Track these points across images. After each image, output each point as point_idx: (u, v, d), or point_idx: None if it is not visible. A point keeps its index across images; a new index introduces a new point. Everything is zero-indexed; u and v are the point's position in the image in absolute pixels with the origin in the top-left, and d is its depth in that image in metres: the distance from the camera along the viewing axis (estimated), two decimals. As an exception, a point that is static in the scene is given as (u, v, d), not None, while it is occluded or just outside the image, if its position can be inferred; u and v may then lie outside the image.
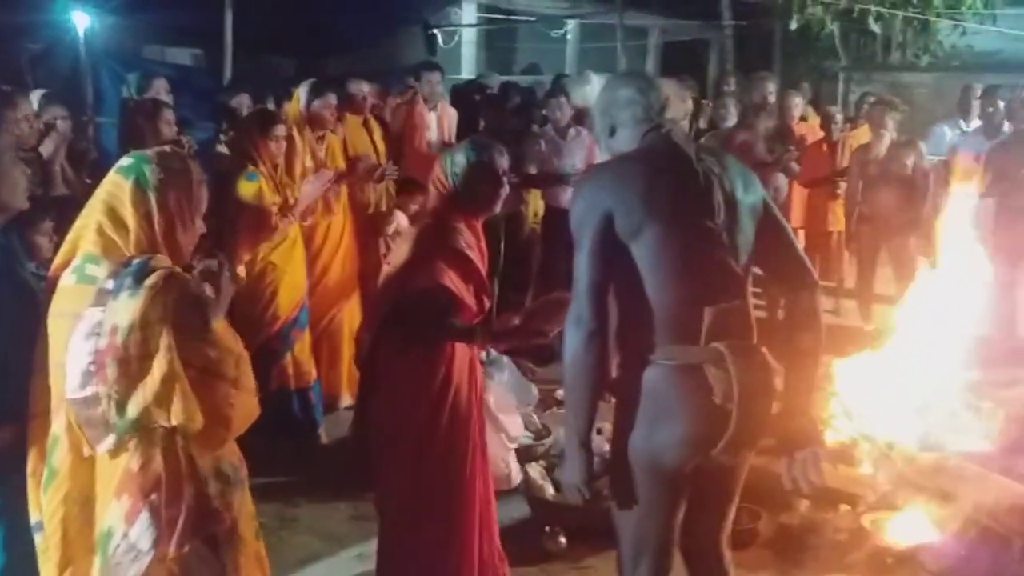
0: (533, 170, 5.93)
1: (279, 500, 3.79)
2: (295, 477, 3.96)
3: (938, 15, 8.73)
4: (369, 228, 5.24)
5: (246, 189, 4.13)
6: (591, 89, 7.33)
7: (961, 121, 6.41)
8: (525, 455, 4.12)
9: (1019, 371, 5.06)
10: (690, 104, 5.72)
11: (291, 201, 4.29)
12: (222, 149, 4.82)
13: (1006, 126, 5.79)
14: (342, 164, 4.98)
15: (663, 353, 2.19)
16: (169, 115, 4.41)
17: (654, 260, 2.15)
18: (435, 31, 9.66)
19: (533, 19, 13.27)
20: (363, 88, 5.66)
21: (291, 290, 4.36)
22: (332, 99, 4.72)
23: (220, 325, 2.08)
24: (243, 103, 5.39)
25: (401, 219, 5.42)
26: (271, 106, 5.60)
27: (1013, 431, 4.21)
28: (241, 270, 4.14)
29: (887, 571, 3.32)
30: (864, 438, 4.02)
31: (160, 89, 5.24)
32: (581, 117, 6.32)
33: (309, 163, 4.53)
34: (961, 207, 5.38)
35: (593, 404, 2.27)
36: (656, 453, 2.23)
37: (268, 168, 4.23)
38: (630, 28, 11.62)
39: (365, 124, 5.68)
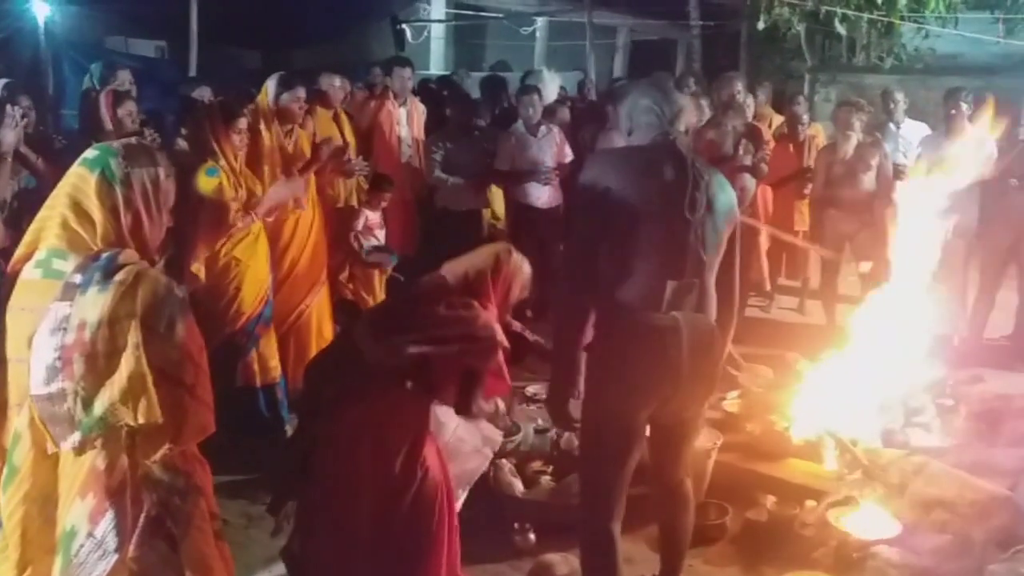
0: (504, 167, 5.92)
1: (245, 498, 3.74)
2: (261, 475, 3.90)
3: (902, 18, 8.86)
4: (338, 223, 5.19)
5: (206, 184, 4.04)
6: (546, 87, 7.34)
7: (891, 124, 6.52)
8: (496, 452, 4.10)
9: (981, 369, 5.17)
10: (706, 111, 5.76)
11: (256, 196, 4.23)
12: (181, 142, 4.72)
13: (969, 129, 5.87)
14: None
15: (630, 317, 2.61)
16: (131, 107, 4.33)
17: (635, 237, 2.56)
18: (404, 26, 9.61)
19: (502, 16, 13.26)
20: (335, 82, 5.62)
21: (255, 285, 4.29)
22: (301, 92, 4.66)
23: (184, 328, 2.03)
24: (204, 95, 5.31)
25: (370, 215, 5.40)
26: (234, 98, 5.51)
27: (975, 428, 4.30)
28: (199, 267, 4.08)
29: (852, 566, 3.35)
30: (830, 435, 4.06)
31: (123, 80, 5.15)
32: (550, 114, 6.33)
33: (276, 158, 4.47)
34: (925, 207, 5.45)
35: (579, 349, 2.71)
36: (619, 400, 2.67)
37: (229, 162, 4.15)
38: (599, 26, 11.64)
39: (335, 118, 5.64)
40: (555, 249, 6.10)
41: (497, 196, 6.32)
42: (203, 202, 4.03)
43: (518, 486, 3.83)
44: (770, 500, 3.76)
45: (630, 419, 2.70)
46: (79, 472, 1.99)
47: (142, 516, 1.98)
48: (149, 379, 1.93)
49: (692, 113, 2.86)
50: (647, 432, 2.82)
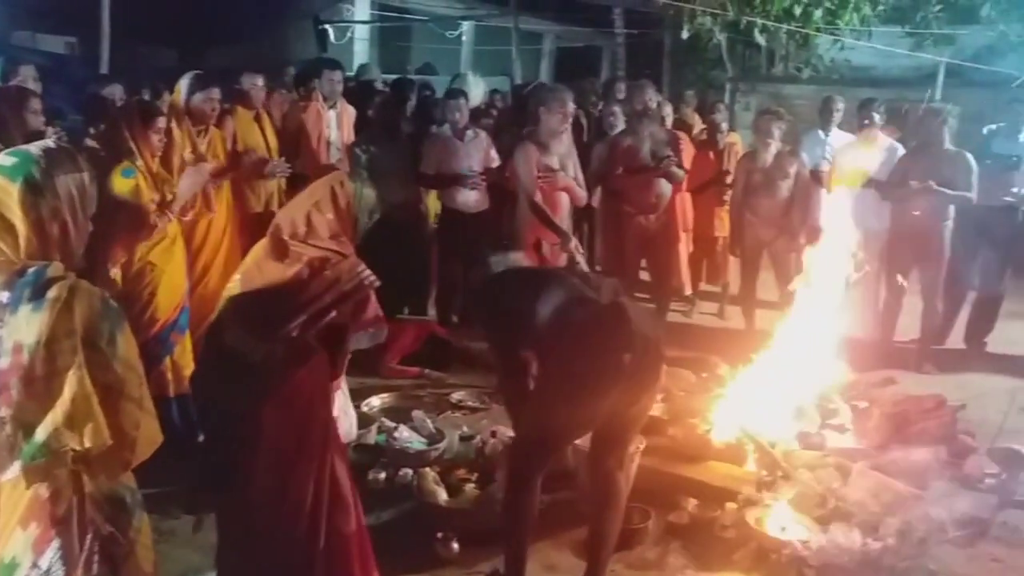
0: (430, 171, 5.87)
1: (156, 512, 3.55)
2: (173, 488, 3.76)
3: (818, 30, 9.12)
4: (256, 227, 5.06)
5: (122, 185, 3.89)
6: (472, 91, 7.32)
7: (820, 131, 6.69)
8: (418, 460, 4.05)
9: (892, 371, 5.34)
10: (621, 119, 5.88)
11: (169, 197, 4.09)
12: (90, 142, 4.53)
13: (880, 137, 6.08)
14: (223, 159, 4.80)
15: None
16: (36, 104, 4.12)
17: None
18: (326, 26, 9.46)
19: (427, 19, 13.18)
20: (257, 82, 5.49)
21: (171, 291, 4.15)
22: (215, 92, 4.52)
23: (125, 340, 1.92)
24: (115, 94, 5.12)
25: (280, 220, 5.25)
26: (148, 97, 5.33)
27: (886, 428, 4.42)
28: (116, 272, 3.92)
29: (772, 566, 3.41)
30: (749, 437, 4.13)
31: (27, 77, 4.92)
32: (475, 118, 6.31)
33: (188, 157, 4.33)
34: (839, 213, 5.62)
35: None
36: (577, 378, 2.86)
37: (147, 163, 4.01)
38: (525, 32, 11.70)
39: (257, 119, 5.50)
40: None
41: (433, 197, 6.27)
42: (119, 204, 3.88)
43: (441, 494, 3.78)
44: (691, 503, 3.80)
45: (591, 394, 2.89)
46: (19, 501, 1.87)
47: (88, 539, 1.88)
48: (94, 399, 1.82)
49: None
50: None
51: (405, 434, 4.27)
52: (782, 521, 3.61)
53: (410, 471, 3.96)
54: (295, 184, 5.29)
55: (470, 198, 5.91)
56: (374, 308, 2.94)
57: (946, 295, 5.93)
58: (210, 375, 2.79)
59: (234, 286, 2.74)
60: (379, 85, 7.86)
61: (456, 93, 6.18)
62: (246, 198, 5.20)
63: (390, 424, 4.38)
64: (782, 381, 4.48)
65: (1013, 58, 9.67)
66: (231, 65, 6.09)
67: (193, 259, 4.44)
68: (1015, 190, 5.96)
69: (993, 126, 6.30)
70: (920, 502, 3.71)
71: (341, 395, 3.42)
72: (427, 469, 3.93)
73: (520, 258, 3.62)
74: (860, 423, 4.52)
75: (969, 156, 5.64)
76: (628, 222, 5.92)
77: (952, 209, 5.68)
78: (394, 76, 8.32)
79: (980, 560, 3.58)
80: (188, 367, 4.25)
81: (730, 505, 3.73)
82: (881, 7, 9.29)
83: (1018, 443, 4.37)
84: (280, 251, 2.70)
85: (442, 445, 4.20)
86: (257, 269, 2.74)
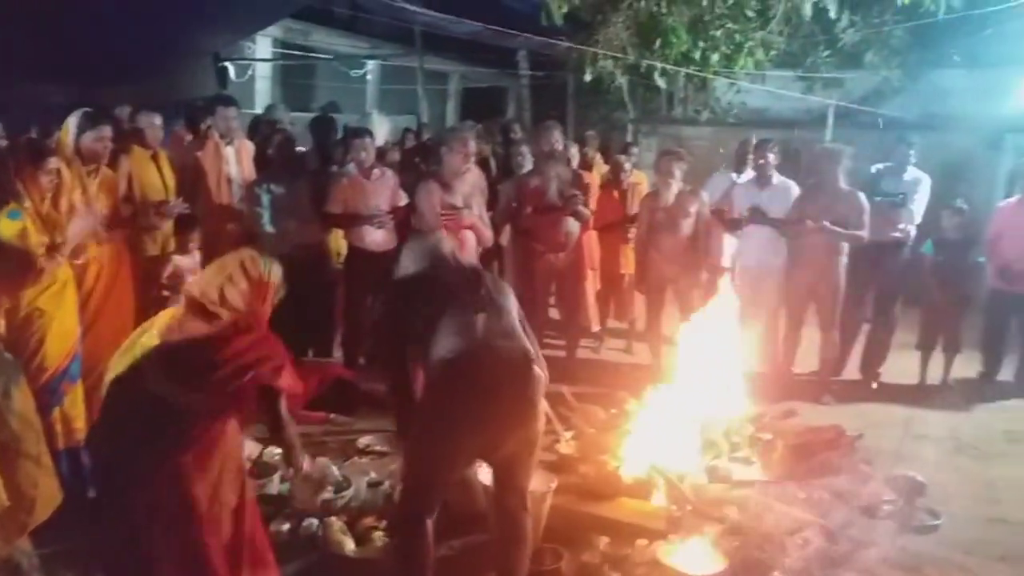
0: (336, 210, 5.79)
1: (43, 570, 3.36)
2: (60, 546, 3.53)
3: (715, 73, 9.46)
4: (150, 271, 4.88)
5: (7, 228, 3.70)
6: (377, 130, 7.30)
7: (734, 174, 6.92)
8: (324, 510, 3.92)
9: (793, 403, 5.49)
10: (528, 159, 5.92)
11: (59, 240, 3.89)
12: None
13: (776, 178, 6.31)
14: (116, 200, 4.63)
15: (446, 348, 2.90)
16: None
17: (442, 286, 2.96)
18: (227, 64, 9.29)
19: (331, 57, 13.10)
20: (153, 120, 5.33)
21: (61, 338, 3.93)
22: (107, 131, 4.35)
23: (21, 393, 1.79)
24: (-4, 133, 4.89)
25: (180, 260, 5.09)
26: (36, 136, 5.10)
27: (790, 459, 4.53)
28: (0, 320, 3.70)
29: (682, 603, 3.42)
30: (657, 472, 4.16)
31: None
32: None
33: (78, 198, 4.14)
34: (739, 250, 5.78)
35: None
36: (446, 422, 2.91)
37: (35, 204, 3.82)
38: (431, 72, 11.75)
39: (154, 158, 5.33)
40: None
41: (337, 236, 6.17)
42: (3, 249, 3.67)
43: (349, 544, 3.66)
44: (603, 541, 3.79)
45: (456, 439, 2.91)
46: None
47: None
48: None
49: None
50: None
51: (310, 482, 4.12)
52: (692, 556, 3.63)
53: (315, 521, 3.82)
54: (186, 225, 5.14)
55: (377, 237, 5.84)
56: (298, 382, 2.99)
57: (842, 328, 6.15)
58: (121, 426, 2.74)
59: (149, 339, 2.75)
60: (287, 124, 7.74)
61: (362, 132, 6.14)
62: (141, 241, 5.02)
63: (294, 472, 4.23)
64: (689, 415, 4.54)
65: (896, 101, 10.25)
66: (127, 103, 5.89)
67: (83, 304, 4.23)
68: (902, 226, 6.28)
69: (880, 165, 6.62)
70: (824, 532, 3.80)
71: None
72: (333, 518, 3.81)
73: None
74: (764, 455, 4.62)
75: (861, 195, 5.90)
76: (537, 260, 5.96)
77: (846, 245, 5.92)
78: (314, 114, 8.24)
79: (881, 586, 3.68)
80: (79, 418, 4.02)
81: (641, 542, 3.74)
82: (774, 52, 9.72)
83: (914, 470, 4.55)
84: (200, 312, 2.78)
85: (348, 493, 4.08)
86: (178, 327, 2.78)
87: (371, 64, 13.54)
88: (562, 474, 4.13)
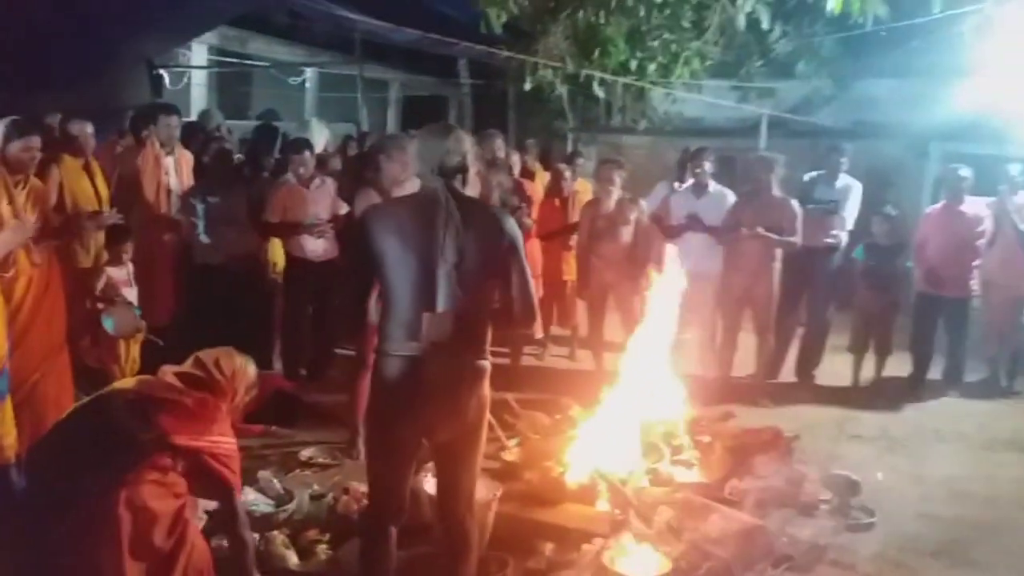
0: (275, 219, 5.71)
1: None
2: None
3: (652, 83, 9.61)
4: (79, 283, 4.75)
5: (-71, 240, 3.57)
6: (313, 134, 7.24)
7: (676, 183, 7.04)
8: (265, 524, 3.86)
9: (731, 406, 5.59)
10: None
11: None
12: None
13: (712, 186, 6.44)
14: (45, 210, 4.49)
15: (393, 346, 2.87)
16: None
17: (392, 278, 2.84)
18: (161, 71, 9.10)
19: (269, 65, 12.93)
20: (85, 129, 5.20)
21: (-13, 353, 3.79)
22: (35, 141, 4.22)
23: None
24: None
25: (112, 272, 4.97)
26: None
27: (729, 461, 4.61)
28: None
29: (627, 606, 3.45)
30: (601, 476, 4.20)
31: None
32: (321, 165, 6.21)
33: (5, 209, 4.01)
34: (676, 259, 5.86)
35: None
36: (386, 415, 2.92)
37: (-41, 216, 3.69)
38: (371, 80, 11.68)
39: (86, 168, 5.19)
40: (331, 302, 5.95)
41: (276, 246, 6.09)
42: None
43: (292, 558, 3.61)
44: (548, 547, 3.80)
45: (396, 438, 2.92)
46: None
47: None
48: None
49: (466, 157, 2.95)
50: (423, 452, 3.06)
51: (250, 496, 4.04)
52: (636, 560, 3.66)
53: (256, 535, 3.75)
54: (119, 236, 5.02)
55: (318, 246, 5.79)
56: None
57: (777, 332, 6.29)
58: (65, 444, 2.82)
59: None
60: (224, 132, 7.63)
61: (301, 141, 6.08)
62: (74, 252, 4.89)
63: (235, 486, 4.16)
64: (631, 420, 4.59)
65: (827, 110, 10.54)
66: (57, 110, 5.72)
67: (12, 317, 4.09)
68: (834, 232, 6.45)
69: (813, 173, 6.80)
70: (763, 532, 3.87)
71: None
72: (275, 532, 3.75)
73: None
74: (704, 457, 4.69)
75: (794, 202, 6.05)
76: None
77: (780, 251, 6.06)
78: (252, 122, 8.12)
79: (819, 584, 3.77)
80: (8, 435, 3.88)
81: (586, 547, 3.76)
82: (709, 62, 9.91)
83: (848, 469, 4.67)
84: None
85: (291, 506, 4.02)
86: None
87: (309, 72, 13.39)
88: (507, 481, 4.14)
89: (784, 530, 3.98)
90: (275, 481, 4.23)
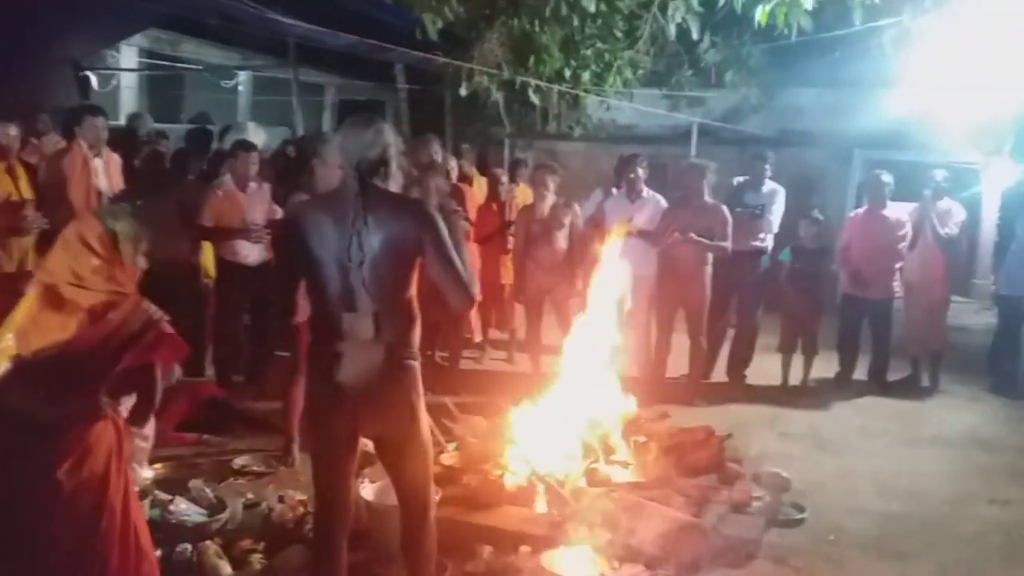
0: (209, 223, 5.61)
1: None
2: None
3: (586, 91, 9.71)
4: (8, 288, 4.59)
5: None
6: (248, 138, 7.13)
7: (614, 188, 7.14)
8: (197, 534, 3.78)
9: (666, 406, 5.68)
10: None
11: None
12: None
13: (646, 192, 6.54)
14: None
15: (320, 346, 2.88)
16: None
17: (312, 278, 2.85)
18: (88, 73, 8.86)
19: (201, 68, 12.69)
20: (9, 131, 5.05)
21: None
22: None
23: None
24: None
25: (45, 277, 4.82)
26: None
27: (664, 461, 4.68)
28: None
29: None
30: (538, 478, 4.22)
31: None
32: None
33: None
34: (613, 262, 5.94)
35: None
36: (318, 416, 2.96)
37: None
38: (306, 84, 11.55)
39: (9, 171, 5.04)
40: (266, 307, 5.87)
41: (207, 250, 5.98)
42: None
43: (225, 569, 3.54)
44: (487, 550, 3.81)
45: (328, 435, 2.94)
46: None
47: None
48: None
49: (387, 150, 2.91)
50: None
51: (182, 506, 3.96)
52: (574, 561, 3.70)
53: (189, 546, 3.67)
54: (47, 240, 4.88)
55: (252, 252, 5.71)
56: (175, 342, 2.88)
57: (709, 333, 6.42)
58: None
59: (8, 345, 2.61)
60: (154, 135, 7.47)
61: (244, 144, 5.99)
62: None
63: (164, 497, 4.05)
64: (568, 421, 4.63)
65: (755, 118, 10.80)
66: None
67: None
68: (761, 236, 6.63)
69: (741, 178, 6.97)
70: (698, 530, 3.94)
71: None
72: (208, 543, 3.68)
73: None
74: (640, 457, 4.75)
75: (724, 208, 6.20)
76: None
77: (711, 255, 6.19)
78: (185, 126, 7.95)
79: (752, 579, 3.86)
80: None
81: (524, 549, 3.78)
82: (641, 71, 10.05)
83: (779, 466, 4.79)
84: (55, 301, 2.62)
85: (224, 516, 3.94)
86: (33, 324, 2.64)
87: (243, 75, 13.18)
88: (445, 486, 4.13)
89: (718, 527, 4.07)
90: (207, 490, 4.14)
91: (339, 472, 2.98)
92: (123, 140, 6.79)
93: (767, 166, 6.77)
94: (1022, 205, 7.56)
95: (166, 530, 3.81)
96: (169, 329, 2.81)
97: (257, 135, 7.50)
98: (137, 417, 2.95)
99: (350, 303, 2.82)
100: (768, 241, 6.70)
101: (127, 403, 2.92)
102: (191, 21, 10.63)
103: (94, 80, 9.43)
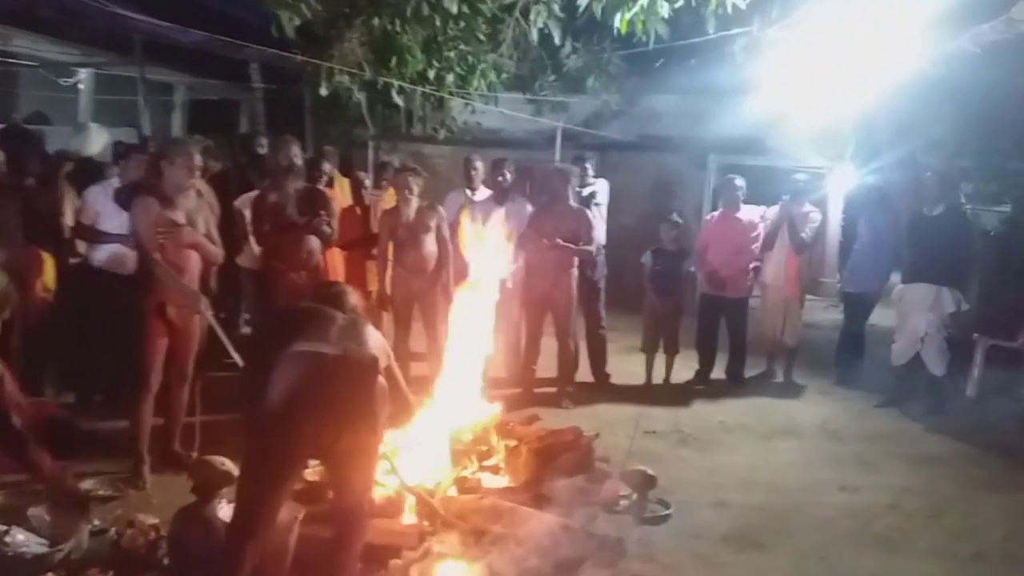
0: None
1: None
2: None
3: (450, 93, 9.66)
4: None
5: None
6: (91, 139, 6.72)
7: (467, 190, 7.11)
8: (37, 566, 3.47)
9: (535, 408, 5.70)
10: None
11: None
12: None
13: (512, 194, 6.56)
14: None
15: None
16: None
17: None
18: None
19: (36, 65, 11.82)
20: None
21: None
22: None
23: None
24: None
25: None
26: None
27: (534, 464, 4.68)
28: None
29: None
30: (406, 489, 4.13)
31: None
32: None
33: None
34: (481, 265, 5.91)
35: None
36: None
37: None
38: (154, 83, 10.96)
39: None
40: (123, 316, 5.50)
41: (48, 263, 5.54)
42: None
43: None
44: (357, 566, 3.68)
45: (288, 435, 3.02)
46: None
47: None
48: None
49: None
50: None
51: (20, 537, 3.63)
52: (447, 571, 3.63)
53: (28, 581, 3.38)
54: None
55: (103, 254, 5.35)
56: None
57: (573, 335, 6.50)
58: None
59: None
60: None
61: (135, 147, 5.62)
62: None
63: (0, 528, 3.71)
64: (437, 429, 4.56)
65: (615, 124, 11.06)
66: None
67: None
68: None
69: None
70: (570, 531, 3.95)
71: None
72: (50, 574, 3.38)
73: None
74: (511, 461, 4.74)
75: (588, 212, 6.29)
76: (279, 279, 5.71)
77: (576, 259, 6.27)
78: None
79: (622, 577, 3.90)
80: None
81: (395, 562, 3.68)
82: (505, 75, 10.10)
83: (645, 464, 4.87)
84: None
85: (68, 545, 3.64)
86: None
87: (84, 72, 12.37)
88: (310, 503, 3.97)
89: (588, 527, 4.09)
90: (47, 517, 3.81)
91: (291, 465, 3.15)
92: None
93: (587, 164, 6.99)
94: (863, 207, 8.02)
95: (3, 564, 3.48)
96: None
97: (99, 136, 7.03)
98: None
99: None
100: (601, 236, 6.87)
101: None
102: (24, 13, 9.87)
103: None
